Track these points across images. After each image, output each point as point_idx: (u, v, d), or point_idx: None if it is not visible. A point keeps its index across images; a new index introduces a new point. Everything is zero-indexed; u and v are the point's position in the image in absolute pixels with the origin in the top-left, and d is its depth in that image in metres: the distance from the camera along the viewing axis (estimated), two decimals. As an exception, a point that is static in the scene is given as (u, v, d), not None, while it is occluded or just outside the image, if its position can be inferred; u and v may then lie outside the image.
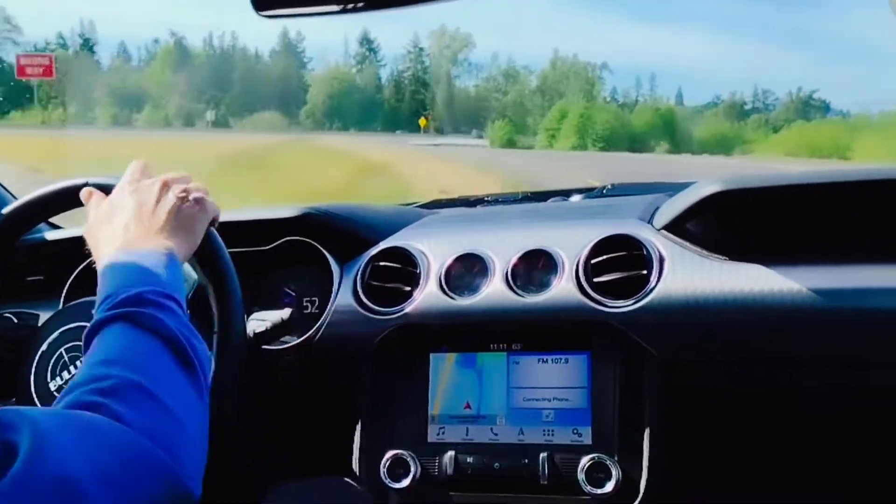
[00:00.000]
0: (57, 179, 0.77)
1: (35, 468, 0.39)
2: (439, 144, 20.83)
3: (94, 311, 0.57)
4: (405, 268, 0.86)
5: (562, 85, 39.67)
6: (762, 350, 0.75)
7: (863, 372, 0.75)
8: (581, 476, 0.74)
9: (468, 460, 0.78)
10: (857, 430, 0.83)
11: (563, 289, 0.79)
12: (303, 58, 45.94)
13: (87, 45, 41.09)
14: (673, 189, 0.91)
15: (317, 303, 0.91)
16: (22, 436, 0.40)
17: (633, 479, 0.74)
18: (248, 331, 0.80)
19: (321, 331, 0.85)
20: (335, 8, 0.60)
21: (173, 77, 38.29)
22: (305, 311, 0.92)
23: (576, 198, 1.09)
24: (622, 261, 0.79)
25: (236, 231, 0.84)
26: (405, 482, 0.78)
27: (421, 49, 45.59)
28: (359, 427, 0.83)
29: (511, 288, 0.80)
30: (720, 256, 0.78)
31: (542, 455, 0.76)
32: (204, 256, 0.71)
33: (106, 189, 0.71)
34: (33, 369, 0.78)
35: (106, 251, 0.62)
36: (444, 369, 0.81)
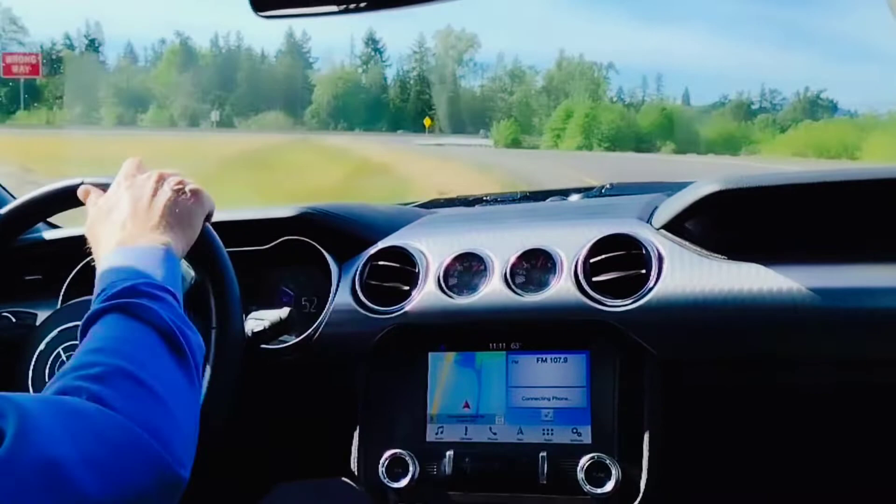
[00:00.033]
0: (47, 180, 0.77)
1: (20, 452, 0.39)
2: (443, 144, 20.83)
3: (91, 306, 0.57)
4: (404, 267, 0.86)
5: (567, 85, 39.59)
6: (761, 349, 0.75)
7: (862, 371, 0.75)
8: (581, 475, 0.74)
9: (467, 460, 0.78)
10: (856, 429, 0.82)
11: (561, 288, 0.79)
12: (308, 58, 46.06)
13: (93, 46, 41.32)
14: (671, 188, 0.92)
15: (315, 302, 0.91)
16: (7, 421, 0.40)
17: (633, 478, 0.74)
18: (246, 330, 0.80)
19: (320, 330, 0.84)
20: (334, 8, 0.60)
21: (179, 77, 38.38)
22: (304, 311, 0.92)
23: (574, 197, 1.09)
24: (621, 260, 0.79)
25: (235, 231, 0.84)
26: (404, 482, 0.78)
27: (426, 49, 45.71)
28: (357, 427, 0.83)
29: (510, 287, 0.80)
30: (719, 256, 0.78)
31: (542, 454, 0.76)
32: (202, 255, 0.71)
33: (103, 187, 0.71)
34: (31, 368, 0.78)
35: (104, 248, 0.63)
36: (442, 369, 0.81)
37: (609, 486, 0.73)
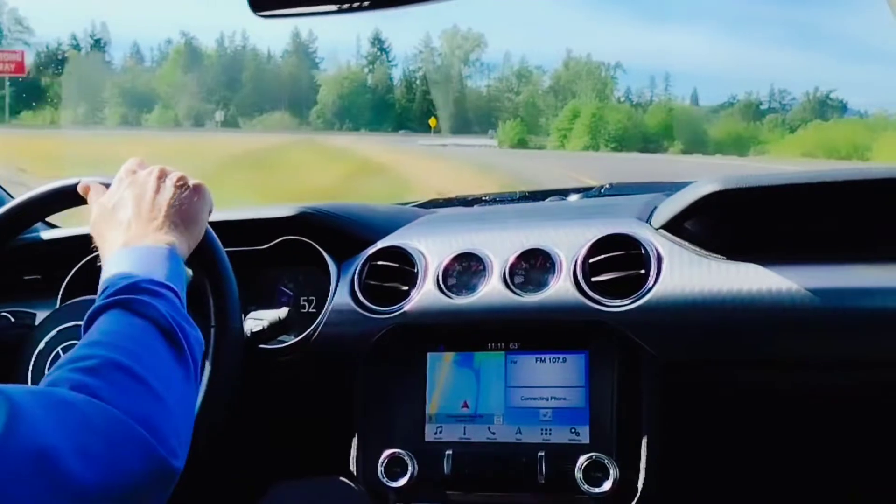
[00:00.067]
0: (38, 181, 0.77)
1: (11, 441, 0.40)
2: (447, 145, 20.81)
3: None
4: (402, 267, 0.86)
5: (575, 85, 39.48)
6: (760, 349, 0.75)
7: (862, 371, 0.75)
8: (579, 475, 0.74)
9: (465, 459, 0.78)
10: (855, 430, 0.82)
11: (560, 288, 0.79)
12: (314, 58, 46.14)
13: (99, 46, 41.53)
14: (671, 188, 0.91)
15: (314, 302, 0.91)
16: None
17: (631, 478, 0.74)
18: (245, 330, 0.80)
19: (318, 330, 0.84)
20: (333, 8, 0.59)
21: (183, 77, 38.54)
22: (303, 311, 0.92)
23: (573, 197, 1.09)
24: (620, 260, 0.79)
25: (233, 230, 0.84)
26: (402, 481, 0.78)
27: (433, 49, 45.71)
28: (356, 426, 0.83)
29: (508, 287, 0.80)
30: (718, 256, 0.78)
31: (540, 454, 0.76)
32: (201, 255, 0.71)
33: (104, 185, 0.71)
34: (30, 368, 0.79)
35: (109, 248, 0.64)
36: (441, 368, 0.81)
37: (607, 486, 0.73)
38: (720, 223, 0.81)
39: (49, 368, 0.77)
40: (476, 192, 1.17)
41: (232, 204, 1.09)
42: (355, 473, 0.82)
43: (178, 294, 0.59)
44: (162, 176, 0.69)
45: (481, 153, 18.44)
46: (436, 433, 0.80)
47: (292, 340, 0.85)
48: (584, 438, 0.76)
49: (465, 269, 0.84)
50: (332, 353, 0.84)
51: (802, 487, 0.88)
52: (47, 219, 0.95)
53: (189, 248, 0.67)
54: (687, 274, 0.76)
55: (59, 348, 0.79)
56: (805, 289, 0.72)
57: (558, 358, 0.79)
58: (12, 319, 0.89)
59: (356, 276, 0.86)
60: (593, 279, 0.79)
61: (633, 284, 0.77)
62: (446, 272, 0.84)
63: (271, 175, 8.61)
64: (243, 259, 0.81)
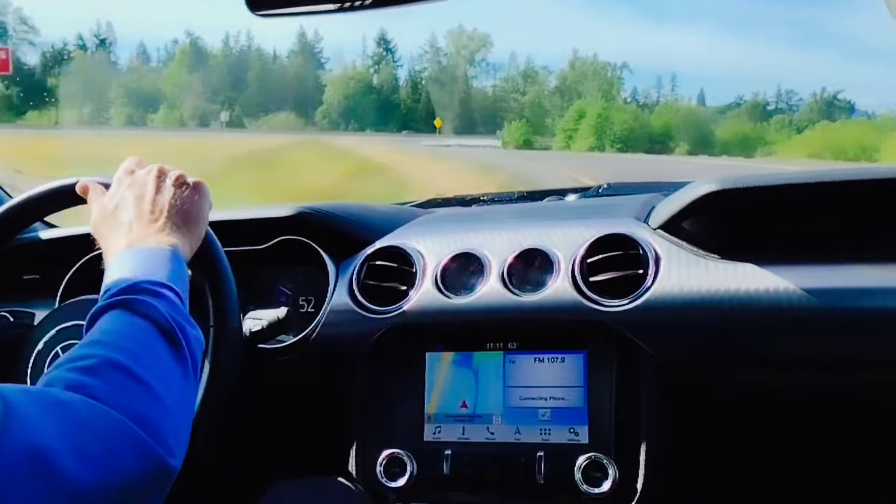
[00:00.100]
0: (32, 182, 0.78)
1: (4, 441, 0.40)
2: (451, 145, 20.78)
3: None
4: (401, 267, 0.86)
5: (581, 85, 39.37)
6: (758, 349, 0.75)
7: (859, 371, 0.75)
8: (578, 475, 0.74)
9: (464, 459, 0.78)
10: (853, 429, 0.82)
11: (558, 288, 0.78)
12: (320, 58, 46.21)
13: (104, 46, 41.69)
14: (669, 188, 0.91)
15: (312, 302, 0.92)
16: None
17: (630, 478, 0.74)
18: (243, 330, 0.80)
19: (317, 330, 0.84)
20: (332, 7, 0.59)
21: (189, 77, 38.67)
22: (301, 311, 0.92)
23: (571, 197, 1.09)
24: (618, 260, 0.79)
25: (232, 230, 0.84)
26: (401, 481, 0.78)
27: (438, 49, 45.69)
28: (355, 426, 0.83)
29: (507, 287, 0.80)
30: (716, 256, 0.77)
31: (539, 454, 0.76)
32: (200, 255, 0.71)
33: (103, 185, 0.71)
34: (29, 368, 0.79)
35: (111, 250, 0.64)
36: (440, 368, 0.81)
37: (606, 486, 0.73)
38: (718, 223, 0.81)
39: (48, 368, 0.76)
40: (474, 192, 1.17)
41: (233, 204, 1.09)
42: (354, 473, 0.82)
43: (179, 295, 0.60)
44: (161, 175, 0.68)
45: (484, 154, 18.38)
46: (434, 433, 0.80)
47: (291, 340, 0.85)
48: (583, 438, 0.76)
49: (464, 268, 0.84)
50: (330, 353, 0.84)
51: (801, 487, 0.88)
52: (46, 218, 0.94)
53: (192, 249, 0.67)
54: (685, 274, 0.76)
55: (58, 348, 0.79)
56: (803, 289, 0.72)
57: (557, 358, 0.78)
58: (11, 319, 0.89)
59: (354, 275, 0.86)
60: (591, 279, 0.79)
61: (632, 284, 0.77)
62: (445, 272, 0.84)
63: (274, 175, 8.61)
64: (242, 259, 0.81)
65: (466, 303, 0.80)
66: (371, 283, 0.86)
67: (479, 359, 0.80)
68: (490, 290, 0.80)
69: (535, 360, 0.79)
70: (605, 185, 1.14)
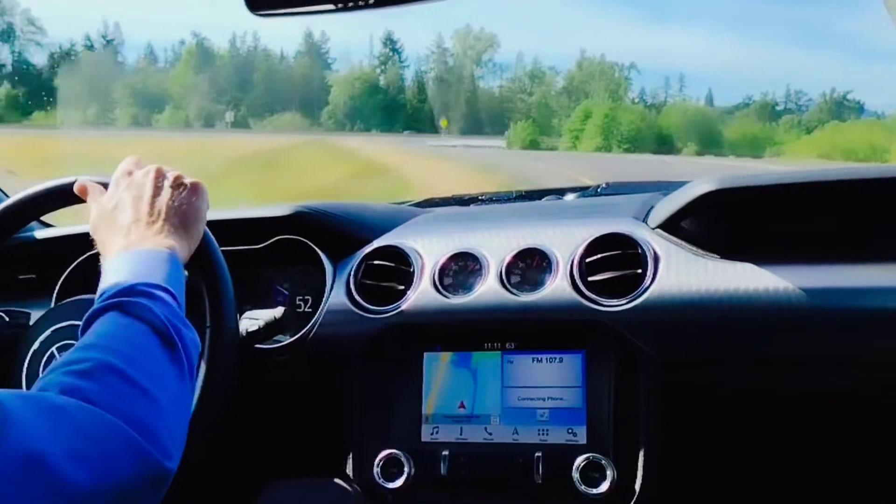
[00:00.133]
0: (26, 184, 0.77)
1: (1, 446, 0.40)
2: (456, 146, 20.76)
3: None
4: (399, 266, 0.86)
5: (588, 85, 39.29)
6: (756, 349, 0.74)
7: (858, 370, 0.74)
8: (576, 476, 0.74)
9: (462, 460, 0.77)
10: (853, 429, 0.82)
11: (557, 288, 0.78)
12: (327, 58, 46.29)
13: (111, 47, 41.93)
14: (667, 188, 0.91)
15: (310, 302, 0.91)
16: None
17: (629, 478, 0.74)
18: (240, 330, 0.80)
19: (314, 330, 0.84)
20: (331, 6, 0.59)
21: (195, 78, 38.82)
22: (298, 310, 0.92)
23: (570, 196, 1.09)
24: (617, 260, 0.79)
25: (229, 230, 0.84)
26: (399, 482, 0.78)
27: (445, 49, 45.70)
28: (352, 426, 0.82)
29: (505, 287, 0.80)
30: (715, 255, 0.77)
31: (537, 454, 0.75)
32: (197, 255, 0.70)
33: (102, 185, 0.71)
34: (25, 368, 0.78)
35: (110, 251, 0.64)
36: (437, 368, 0.81)
37: (604, 487, 0.73)
38: (717, 222, 0.81)
39: (44, 368, 0.78)
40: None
41: (233, 204, 1.09)
42: (351, 474, 0.82)
43: (175, 297, 0.59)
44: (159, 176, 0.68)
45: (488, 154, 18.33)
46: (432, 433, 0.79)
47: (288, 340, 0.85)
48: (581, 439, 0.76)
49: (462, 268, 0.84)
50: (328, 353, 0.84)
51: (800, 487, 0.87)
52: (42, 218, 0.94)
53: (190, 251, 0.67)
54: (684, 273, 0.76)
55: (53, 348, 0.78)
56: (802, 288, 0.72)
57: (555, 358, 0.78)
58: (7, 319, 0.88)
59: (352, 275, 0.86)
60: (590, 279, 0.78)
61: (630, 284, 0.77)
62: (442, 272, 0.83)
63: (275, 176, 8.61)
64: (239, 258, 0.81)
65: (464, 302, 0.80)
66: (368, 282, 0.85)
67: (477, 359, 0.80)
68: (488, 289, 0.80)
69: (533, 361, 0.79)
70: (603, 185, 1.14)
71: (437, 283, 0.82)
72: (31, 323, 0.84)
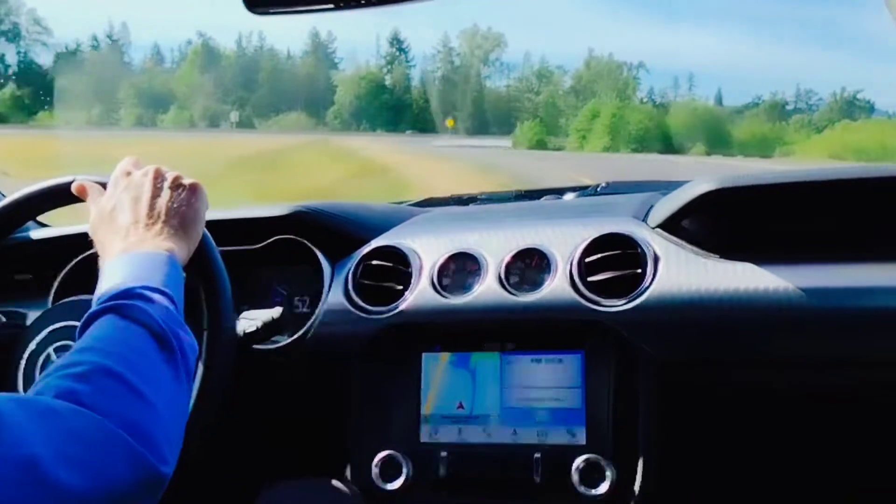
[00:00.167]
0: (19, 185, 0.77)
1: None
2: (461, 146, 20.72)
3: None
4: (397, 266, 0.85)
5: (596, 85, 39.16)
6: (757, 349, 0.74)
7: (858, 370, 0.74)
8: (575, 476, 0.74)
9: (461, 461, 0.77)
10: (853, 429, 0.82)
11: (556, 288, 0.78)
12: (333, 58, 46.38)
13: (116, 47, 42.10)
14: (667, 187, 0.91)
15: (308, 302, 0.91)
16: None
17: (628, 479, 0.74)
18: (238, 330, 0.79)
19: (312, 330, 0.84)
20: (328, 5, 0.59)
21: (201, 78, 38.89)
22: (296, 311, 0.91)
23: (569, 196, 1.09)
24: (616, 259, 0.78)
25: (227, 230, 0.84)
26: (397, 483, 0.78)
27: (451, 49, 45.73)
28: (350, 427, 0.82)
29: (504, 287, 0.80)
30: (715, 255, 0.77)
31: (536, 455, 0.75)
32: (195, 256, 0.70)
33: (101, 185, 0.71)
34: (22, 368, 0.78)
35: (108, 254, 0.64)
36: (436, 369, 0.81)
37: (604, 488, 0.73)
38: (717, 222, 0.80)
39: (41, 368, 0.77)
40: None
41: (229, 204, 1.09)
42: (350, 475, 0.82)
43: (174, 300, 0.59)
44: (157, 177, 0.68)
45: (492, 155, 18.23)
46: (431, 434, 0.79)
47: (286, 341, 0.85)
48: (581, 439, 0.75)
49: (461, 268, 0.84)
50: (326, 354, 0.84)
51: (800, 488, 0.87)
52: (39, 218, 0.95)
53: (189, 252, 0.67)
54: (684, 273, 0.76)
55: (50, 349, 0.78)
56: (802, 288, 0.72)
57: (554, 358, 0.78)
58: (3, 319, 0.88)
59: (350, 275, 0.86)
60: (589, 279, 0.78)
61: (630, 284, 0.76)
62: (441, 272, 0.83)
63: (275, 176, 8.62)
64: (236, 259, 0.80)
65: (463, 303, 0.80)
66: (367, 282, 0.85)
67: (475, 359, 0.80)
68: (487, 289, 0.80)
69: (532, 361, 0.78)
70: (603, 184, 1.14)
71: (436, 283, 0.82)
72: (27, 324, 0.84)
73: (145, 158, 0.72)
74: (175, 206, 0.66)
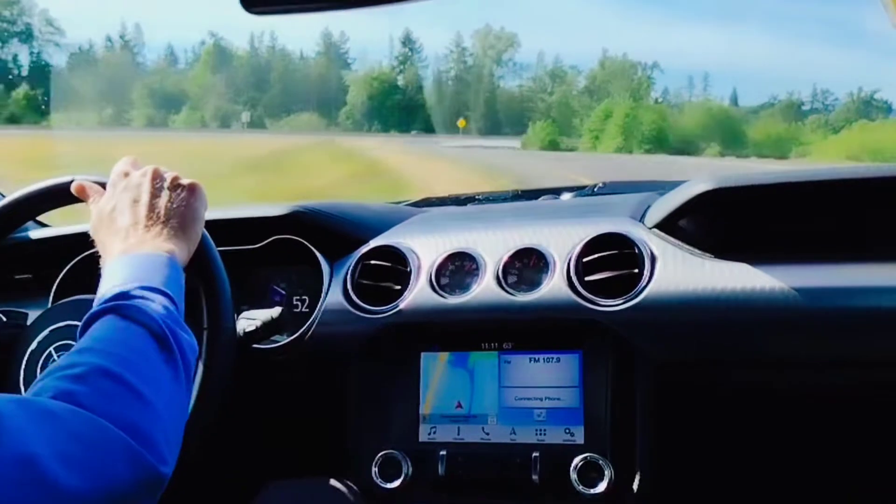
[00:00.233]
0: (12, 187, 0.77)
1: None
2: (469, 147, 20.63)
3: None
4: (395, 266, 0.85)
5: (610, 85, 38.92)
6: (753, 349, 0.74)
7: (855, 370, 0.74)
8: (573, 476, 0.74)
9: (459, 460, 0.77)
10: (849, 429, 0.81)
11: (554, 287, 0.78)
12: (346, 59, 46.47)
13: (128, 48, 42.31)
14: (664, 187, 0.91)
15: (307, 301, 0.91)
16: None
17: (626, 478, 0.74)
18: (237, 330, 0.80)
19: (311, 329, 0.84)
20: (326, 5, 0.59)
21: (213, 78, 38.98)
22: (295, 310, 0.91)
23: (567, 196, 1.09)
24: (614, 259, 0.78)
25: (226, 229, 0.84)
26: (396, 482, 0.78)
27: (464, 49, 45.65)
28: (350, 426, 0.82)
29: (502, 286, 0.80)
30: (712, 255, 0.77)
31: (534, 454, 0.75)
32: (194, 256, 0.70)
33: (100, 185, 0.71)
34: (22, 368, 0.78)
35: (109, 255, 0.64)
36: (435, 368, 0.81)
37: (602, 487, 0.73)
38: (714, 222, 0.80)
39: (41, 368, 0.78)
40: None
41: (230, 204, 1.08)
42: (349, 474, 0.82)
43: (174, 300, 0.59)
44: (156, 178, 0.68)
45: (500, 156, 18.06)
46: (429, 434, 0.79)
47: (285, 340, 0.85)
48: (579, 439, 0.75)
49: (459, 268, 0.83)
50: (325, 353, 0.84)
51: (798, 488, 0.87)
52: (38, 218, 0.94)
53: (189, 253, 0.67)
54: (680, 273, 0.75)
55: (51, 348, 0.78)
56: (799, 288, 0.71)
57: (552, 358, 0.78)
58: (4, 319, 0.88)
59: (349, 275, 0.86)
60: (587, 278, 0.78)
61: (627, 284, 0.76)
62: (439, 271, 0.83)
63: (280, 177, 8.62)
64: (236, 258, 0.80)
65: (461, 302, 0.80)
66: (365, 282, 0.85)
67: (474, 359, 0.80)
68: (485, 289, 0.80)
69: (530, 360, 0.78)
70: (600, 184, 1.14)
71: (434, 282, 0.82)
72: (28, 323, 0.84)
73: (153, 159, 0.72)
74: (174, 206, 0.66)
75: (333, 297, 0.85)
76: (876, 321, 0.71)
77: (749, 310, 0.72)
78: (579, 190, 1.12)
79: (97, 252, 0.67)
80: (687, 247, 0.78)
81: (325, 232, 0.89)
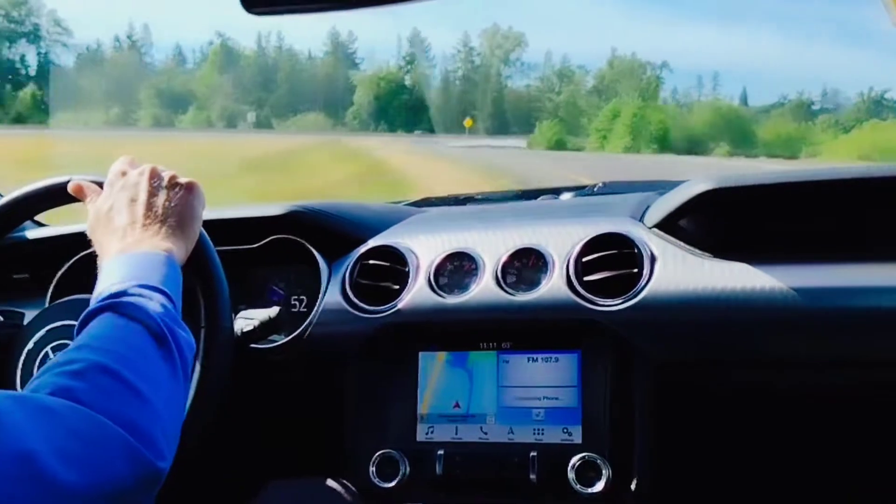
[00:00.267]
0: (7, 187, 0.77)
1: None
2: (475, 146, 20.56)
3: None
4: (394, 266, 0.85)
5: (619, 84, 38.76)
6: (753, 349, 0.74)
7: (855, 370, 0.74)
8: (571, 475, 0.73)
9: (457, 459, 0.77)
10: (849, 429, 0.81)
11: (553, 287, 0.78)
12: (354, 59, 46.51)
13: (135, 48, 42.45)
14: (664, 187, 0.91)
15: (305, 301, 0.91)
16: None
17: (624, 478, 0.74)
18: (235, 329, 0.80)
19: (309, 329, 0.84)
20: (326, 4, 0.59)
21: (220, 78, 39.03)
22: (293, 310, 0.91)
23: (566, 196, 1.08)
24: (613, 259, 0.78)
25: (224, 229, 0.84)
26: (394, 482, 0.78)
27: (472, 49, 45.63)
28: (347, 426, 0.82)
29: (501, 286, 0.80)
30: (711, 255, 0.77)
31: (532, 454, 0.75)
32: (192, 255, 0.70)
33: (97, 185, 0.71)
34: (20, 367, 0.78)
35: (107, 254, 0.64)
36: (433, 368, 0.81)
37: (600, 486, 0.73)
38: (714, 222, 0.80)
39: (38, 367, 0.78)
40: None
41: (230, 204, 1.09)
42: (346, 474, 0.82)
43: (171, 298, 0.59)
44: (154, 177, 0.68)
45: (506, 156, 17.95)
46: (427, 433, 0.79)
47: (283, 340, 0.85)
48: (577, 438, 0.75)
49: (458, 268, 0.83)
50: (323, 353, 0.84)
51: (797, 488, 0.87)
52: (36, 217, 0.94)
53: (186, 252, 0.67)
54: (680, 273, 0.75)
55: (48, 347, 0.78)
56: (798, 288, 0.71)
57: (551, 357, 0.78)
58: (1, 319, 0.88)
59: (347, 275, 0.86)
60: (586, 278, 0.78)
61: (626, 283, 0.76)
62: (438, 271, 0.83)
63: (283, 176, 8.61)
64: (234, 258, 0.80)
65: (460, 302, 0.80)
66: (364, 282, 0.85)
67: (472, 358, 0.80)
68: (484, 289, 0.80)
69: (528, 360, 0.78)
70: (599, 184, 1.14)
71: (433, 282, 0.82)
72: (25, 323, 0.84)
73: (159, 159, 0.72)
74: (172, 205, 0.66)
75: (332, 296, 0.85)
76: (876, 321, 0.71)
77: (749, 310, 0.72)
78: (579, 190, 1.12)
79: (95, 251, 0.67)
80: (687, 246, 0.78)
81: (323, 232, 0.89)
